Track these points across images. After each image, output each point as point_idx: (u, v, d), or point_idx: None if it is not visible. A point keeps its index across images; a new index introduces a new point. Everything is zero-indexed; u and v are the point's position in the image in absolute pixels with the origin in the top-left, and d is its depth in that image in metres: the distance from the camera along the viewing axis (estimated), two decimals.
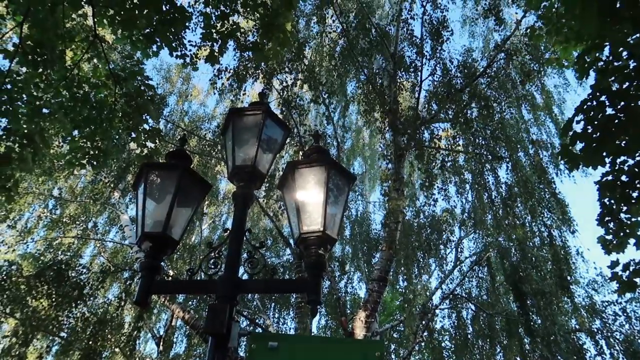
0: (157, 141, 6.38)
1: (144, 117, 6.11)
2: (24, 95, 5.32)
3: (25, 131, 5.41)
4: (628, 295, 9.95)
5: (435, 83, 9.53)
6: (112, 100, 5.90)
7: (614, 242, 3.41)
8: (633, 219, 3.38)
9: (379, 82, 9.66)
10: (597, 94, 3.26)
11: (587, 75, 3.48)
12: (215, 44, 5.90)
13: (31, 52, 5.12)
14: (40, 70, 5.33)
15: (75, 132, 5.99)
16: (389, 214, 8.26)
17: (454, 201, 10.79)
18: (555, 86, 11.28)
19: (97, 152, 6.04)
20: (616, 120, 3.21)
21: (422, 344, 11.70)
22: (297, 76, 8.89)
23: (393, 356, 12.26)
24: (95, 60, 6.11)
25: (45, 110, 5.64)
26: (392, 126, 9.01)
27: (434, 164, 9.35)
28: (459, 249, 11.77)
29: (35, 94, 5.50)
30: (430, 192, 9.58)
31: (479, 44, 12.58)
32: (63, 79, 5.59)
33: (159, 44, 5.73)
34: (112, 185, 11.16)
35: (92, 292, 9.74)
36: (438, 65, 9.57)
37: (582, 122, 3.33)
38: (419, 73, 9.48)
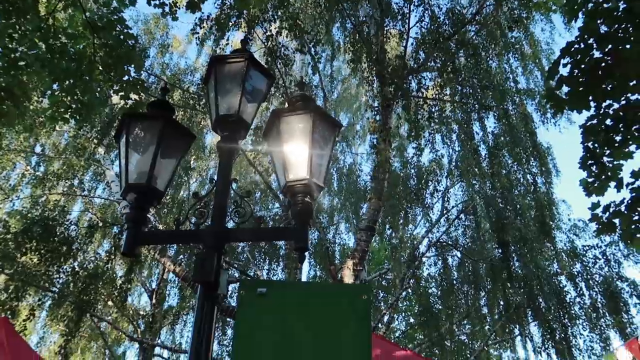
0: (140, 93, 6.24)
1: (125, 69, 5.94)
2: None
3: (3, 84, 5.26)
4: (608, 239, 10.26)
5: (423, 31, 9.33)
6: (91, 52, 5.71)
7: (596, 184, 3.47)
8: (615, 162, 3.42)
9: (366, 30, 9.44)
10: (585, 36, 3.22)
11: (576, 17, 3.43)
12: None
13: (2, 1, 4.89)
14: (14, 20, 5.11)
15: (55, 86, 5.83)
16: (377, 165, 8.29)
17: (441, 151, 10.82)
18: (542, 30, 11.13)
19: (79, 106, 5.90)
20: (603, 64, 3.19)
21: (409, 290, 12.05)
22: (281, 24, 8.63)
23: (381, 303, 12.62)
24: (70, 10, 5.87)
25: (21, 63, 5.46)
26: (379, 76, 8.88)
27: (421, 114, 9.30)
28: (446, 198, 11.93)
29: (10, 45, 5.30)
30: (418, 142, 9.60)
31: None
32: (38, 30, 5.37)
33: None
34: (95, 140, 10.98)
35: (81, 247, 9.79)
36: (426, 12, 9.35)
37: (569, 66, 3.30)
38: (407, 20, 9.27)
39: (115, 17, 5.67)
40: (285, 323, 2.20)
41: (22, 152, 11.69)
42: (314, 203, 2.47)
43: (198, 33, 8.72)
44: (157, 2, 5.96)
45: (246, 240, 9.42)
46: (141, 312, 14.68)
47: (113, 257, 10.40)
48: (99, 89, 5.96)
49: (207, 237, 2.39)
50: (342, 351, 2.10)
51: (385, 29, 9.56)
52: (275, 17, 8.66)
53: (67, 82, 5.68)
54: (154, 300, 13.56)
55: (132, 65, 5.78)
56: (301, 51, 8.89)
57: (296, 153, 2.46)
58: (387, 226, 12.13)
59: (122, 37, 5.70)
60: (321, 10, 9.76)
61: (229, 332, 11.80)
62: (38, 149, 12.32)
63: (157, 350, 13.80)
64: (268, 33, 8.67)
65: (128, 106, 6.02)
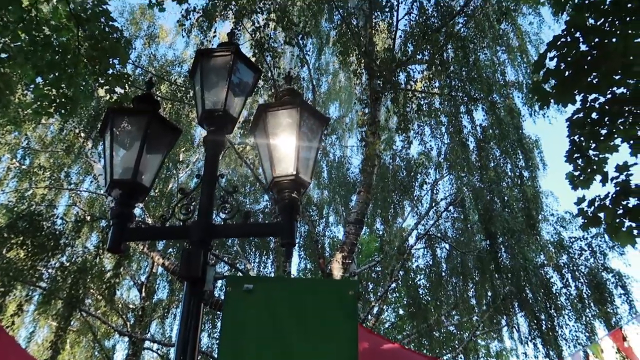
0: (126, 87, 6.17)
1: (110, 62, 5.86)
2: None
3: None
4: (594, 230, 10.38)
5: (412, 23, 9.32)
6: (76, 44, 5.62)
7: (581, 178, 3.50)
8: (600, 156, 3.46)
9: (354, 22, 9.40)
10: (572, 30, 3.23)
11: (563, 10, 3.44)
12: None
13: None
14: None
15: (39, 79, 5.74)
16: (366, 158, 8.29)
17: (430, 145, 10.84)
18: (530, 23, 11.15)
19: (64, 99, 5.82)
20: (589, 57, 3.21)
21: (399, 282, 12.12)
22: (269, 16, 8.56)
23: (371, 295, 12.68)
24: (54, 1, 5.76)
25: (3, 55, 5.37)
26: (367, 68, 8.86)
27: (409, 107, 9.30)
28: (435, 191, 11.98)
29: None
30: (406, 135, 9.61)
31: None
32: (21, 21, 5.28)
33: None
34: (82, 134, 10.86)
35: (69, 241, 9.70)
36: (414, 4, 9.33)
37: (555, 59, 3.32)
38: (395, 12, 9.24)
39: (99, 9, 5.59)
40: (272, 320, 2.20)
41: (7, 145, 11.52)
42: (300, 198, 2.46)
43: (185, 25, 8.62)
44: None
45: (233, 236, 9.41)
46: (131, 306, 14.62)
47: (101, 251, 10.34)
48: (84, 83, 5.88)
49: (193, 233, 2.38)
50: (328, 347, 2.11)
51: (374, 21, 9.54)
52: (263, 9, 8.58)
53: (51, 75, 5.60)
54: (143, 294, 13.51)
55: (117, 59, 5.70)
56: (289, 43, 8.82)
57: (283, 148, 2.45)
58: (377, 219, 12.17)
59: (107, 29, 5.62)
60: (310, 2, 9.69)
61: (219, 325, 11.79)
62: (23, 142, 12.16)
63: (146, 343, 13.77)
64: (256, 25, 8.60)
65: (113, 100, 5.94)
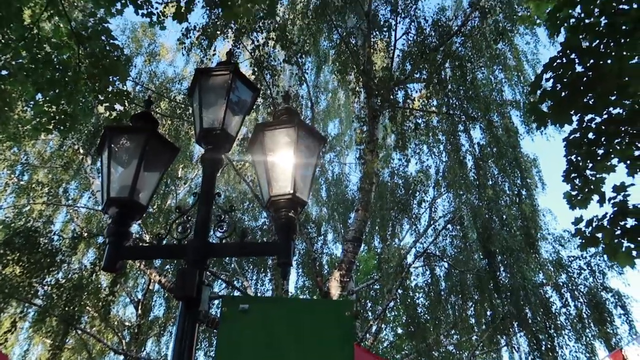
0: (125, 104, 6.20)
1: (111, 79, 5.91)
2: None
3: None
4: (592, 249, 10.33)
5: (410, 42, 9.42)
6: (76, 62, 5.67)
7: (579, 197, 3.50)
8: (597, 176, 3.46)
9: (353, 41, 9.50)
10: (567, 51, 3.26)
11: (558, 32, 3.48)
12: None
13: None
14: None
15: (39, 96, 5.77)
16: (364, 177, 8.30)
17: (428, 163, 10.88)
18: (527, 43, 11.28)
19: (63, 116, 5.85)
20: (585, 78, 3.23)
21: (397, 300, 12.03)
22: (268, 35, 8.65)
23: (369, 313, 12.57)
24: (56, 19, 5.83)
25: (4, 73, 5.41)
26: (365, 87, 8.93)
27: (407, 125, 9.35)
28: (433, 209, 11.96)
29: None
30: (404, 153, 9.64)
31: (451, 2, 12.35)
32: (22, 39, 5.33)
33: (123, 1, 5.50)
34: (81, 150, 10.88)
35: (65, 258, 9.64)
36: (412, 24, 9.45)
37: (552, 80, 3.34)
38: (393, 32, 9.35)
39: (100, 27, 5.65)
40: (268, 340, 2.17)
41: (5, 160, 11.52)
42: (298, 217, 2.45)
43: (185, 43, 8.70)
44: (145, 12, 5.94)
45: (229, 255, 9.34)
46: (126, 323, 14.45)
47: (97, 268, 10.27)
48: (83, 100, 5.91)
49: (189, 252, 2.36)
50: None
51: (372, 40, 9.63)
52: (263, 28, 8.67)
53: (51, 92, 5.64)
54: (139, 311, 13.37)
55: (117, 77, 5.75)
56: (288, 62, 8.90)
57: (280, 167, 2.45)
58: (375, 236, 12.13)
59: (107, 47, 5.67)
60: (309, 21, 9.80)
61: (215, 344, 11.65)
62: (22, 158, 12.17)
63: None
64: (256, 43, 8.68)
65: (113, 117, 5.97)
